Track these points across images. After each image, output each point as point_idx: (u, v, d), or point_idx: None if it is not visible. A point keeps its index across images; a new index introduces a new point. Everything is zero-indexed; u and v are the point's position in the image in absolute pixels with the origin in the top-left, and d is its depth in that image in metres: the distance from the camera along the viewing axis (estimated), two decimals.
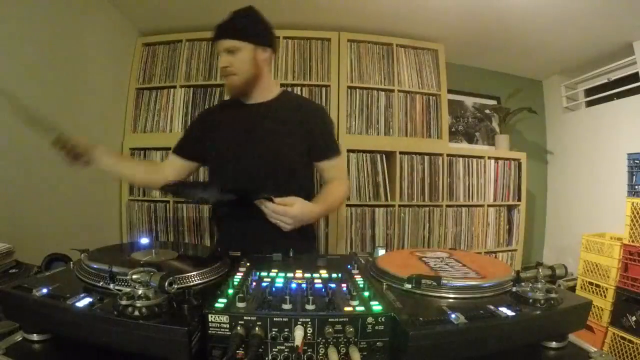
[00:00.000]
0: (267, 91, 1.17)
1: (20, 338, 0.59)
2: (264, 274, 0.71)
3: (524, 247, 2.52)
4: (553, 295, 0.60)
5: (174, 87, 2.30)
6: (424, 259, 0.79)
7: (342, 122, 2.26)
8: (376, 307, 0.54)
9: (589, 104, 2.76)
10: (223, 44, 1.07)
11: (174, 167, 1.23)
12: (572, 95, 2.88)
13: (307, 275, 0.71)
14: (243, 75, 1.09)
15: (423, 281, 0.61)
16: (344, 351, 0.51)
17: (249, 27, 1.09)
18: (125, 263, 0.67)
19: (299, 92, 2.26)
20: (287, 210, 0.95)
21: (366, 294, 0.59)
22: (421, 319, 0.51)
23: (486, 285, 0.63)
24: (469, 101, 2.91)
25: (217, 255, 0.80)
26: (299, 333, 0.49)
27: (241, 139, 1.12)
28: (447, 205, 2.33)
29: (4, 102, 1.01)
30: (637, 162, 1.97)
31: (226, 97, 1.22)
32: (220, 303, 0.54)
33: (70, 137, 1.04)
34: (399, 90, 2.37)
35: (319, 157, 1.17)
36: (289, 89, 2.31)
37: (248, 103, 1.16)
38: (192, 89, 2.31)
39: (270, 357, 0.51)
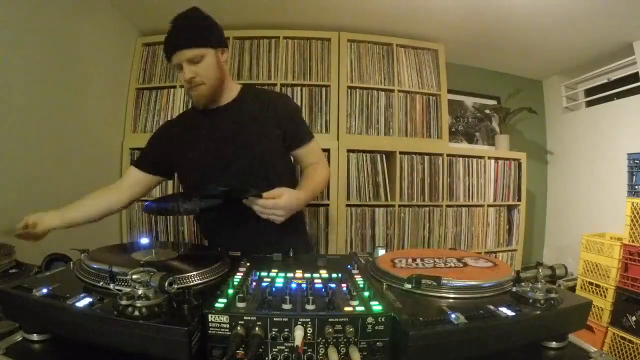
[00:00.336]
0: (229, 91, 1.14)
1: (20, 338, 0.59)
2: (264, 274, 0.71)
3: (524, 247, 2.52)
4: (553, 295, 0.60)
5: (174, 87, 2.30)
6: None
7: (342, 122, 2.26)
8: (376, 307, 0.54)
9: (589, 104, 2.76)
10: (184, 54, 1.00)
11: (137, 182, 1.17)
12: (572, 95, 2.88)
13: (307, 275, 0.71)
14: (210, 82, 1.05)
15: (423, 281, 0.61)
16: (344, 351, 0.51)
17: (207, 31, 1.04)
18: (125, 263, 0.67)
19: (299, 92, 2.27)
20: (276, 203, 0.93)
21: (366, 294, 0.59)
22: (421, 319, 0.51)
23: (486, 285, 0.63)
24: (469, 101, 2.91)
25: (217, 255, 0.80)
26: (299, 333, 0.49)
27: (214, 144, 1.09)
28: (447, 205, 2.33)
29: None
30: (637, 162, 1.97)
31: (194, 107, 1.17)
32: (220, 303, 0.54)
33: (25, 224, 0.98)
34: (399, 90, 2.37)
35: (293, 145, 1.16)
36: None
37: (213, 107, 1.12)
38: None
39: (270, 357, 0.51)
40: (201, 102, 1.08)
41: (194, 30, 1.02)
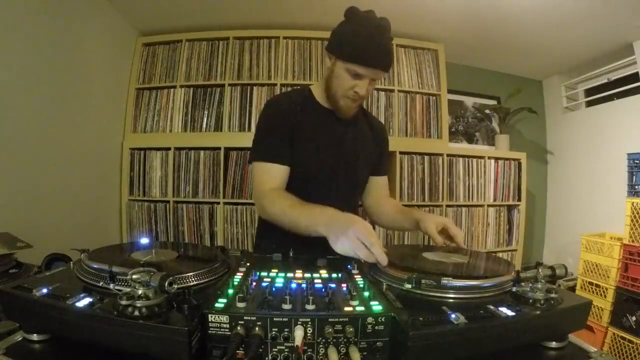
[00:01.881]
0: None
1: (20, 338, 0.59)
2: (264, 274, 0.71)
3: (524, 247, 2.52)
4: (553, 295, 0.60)
5: (174, 87, 2.30)
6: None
7: None
8: (376, 307, 0.54)
9: (589, 104, 2.76)
10: (379, 74, 0.98)
11: (285, 179, 1.03)
12: (572, 95, 2.88)
13: (307, 275, 0.71)
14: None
15: (423, 281, 0.61)
16: (344, 351, 0.51)
17: None
18: (125, 263, 0.67)
19: None
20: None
21: (366, 294, 0.59)
22: (421, 319, 0.51)
23: (486, 285, 0.63)
24: (469, 101, 2.91)
25: (217, 255, 0.80)
26: (299, 333, 0.49)
27: (332, 152, 1.07)
28: (447, 205, 2.33)
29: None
30: (637, 162, 1.97)
31: (318, 104, 1.11)
32: (220, 303, 0.54)
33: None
34: (399, 90, 2.37)
35: (376, 171, 1.20)
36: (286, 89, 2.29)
37: (340, 117, 1.08)
38: (192, 89, 2.31)
39: (270, 357, 0.50)
40: (350, 114, 1.08)
41: (392, 55, 1.00)
